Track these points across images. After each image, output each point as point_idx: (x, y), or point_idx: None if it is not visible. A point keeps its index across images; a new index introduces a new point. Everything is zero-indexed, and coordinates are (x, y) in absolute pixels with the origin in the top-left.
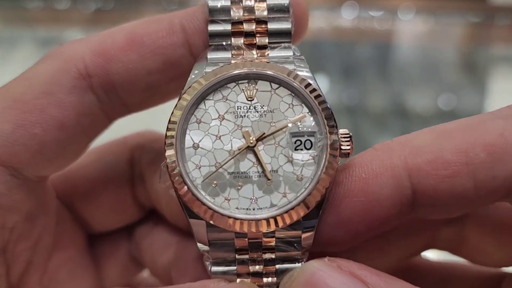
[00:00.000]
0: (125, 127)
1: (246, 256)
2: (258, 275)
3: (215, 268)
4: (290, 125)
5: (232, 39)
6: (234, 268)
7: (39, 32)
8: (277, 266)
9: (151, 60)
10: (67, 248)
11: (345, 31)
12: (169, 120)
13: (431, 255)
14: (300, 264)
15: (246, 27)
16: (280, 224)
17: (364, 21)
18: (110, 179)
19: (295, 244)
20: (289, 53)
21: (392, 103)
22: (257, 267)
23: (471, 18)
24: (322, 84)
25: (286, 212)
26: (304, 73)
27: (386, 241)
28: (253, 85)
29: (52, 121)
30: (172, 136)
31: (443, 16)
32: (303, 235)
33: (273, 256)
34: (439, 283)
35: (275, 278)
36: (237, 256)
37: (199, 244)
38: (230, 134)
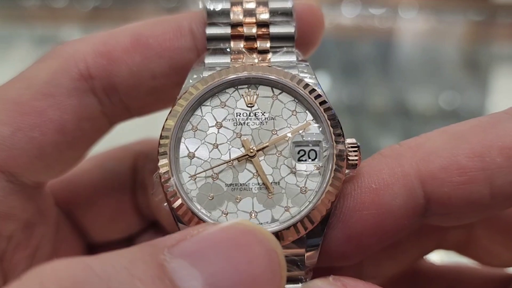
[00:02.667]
0: (124, 131)
1: None
2: None
3: None
4: (289, 134)
5: (232, 42)
6: None
7: (36, 30)
8: None
9: (157, 63)
10: (67, 257)
11: (346, 29)
12: (163, 127)
13: (436, 256)
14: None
15: (246, 30)
16: (282, 241)
17: (365, 19)
18: (111, 186)
19: (298, 263)
20: (292, 58)
21: (394, 102)
22: None
23: (473, 16)
24: (323, 82)
25: (289, 228)
26: (307, 79)
27: (394, 246)
28: (254, 90)
29: (52, 124)
30: (165, 145)
31: (444, 14)
32: (307, 254)
33: None
34: (447, 287)
35: None
36: None
37: None
38: (229, 142)
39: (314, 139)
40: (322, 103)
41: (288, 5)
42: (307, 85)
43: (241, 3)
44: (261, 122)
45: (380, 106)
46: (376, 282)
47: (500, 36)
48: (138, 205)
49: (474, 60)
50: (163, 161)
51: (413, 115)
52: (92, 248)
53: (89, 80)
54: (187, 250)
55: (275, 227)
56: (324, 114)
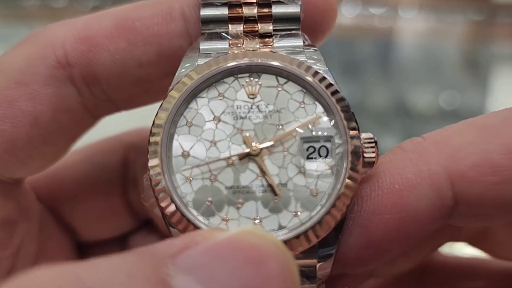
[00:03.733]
0: (116, 122)
1: None
2: None
3: None
4: (299, 129)
5: (230, 25)
6: None
7: (36, 30)
8: None
9: (143, 50)
10: (54, 257)
11: (346, 29)
12: (153, 123)
13: (446, 249)
14: None
15: (246, 11)
16: (291, 251)
17: (365, 19)
18: (100, 182)
19: (308, 276)
20: (298, 42)
21: (394, 101)
22: None
23: (473, 16)
24: None
25: (298, 236)
26: (316, 66)
27: None
28: (256, 80)
29: (24, 115)
30: (156, 143)
31: (445, 14)
32: (319, 265)
33: None
34: (459, 280)
35: None
36: None
37: None
38: (228, 139)
39: (325, 134)
40: (334, 93)
41: None
42: (316, 72)
43: None
44: (264, 116)
45: (380, 105)
46: (386, 279)
47: (500, 36)
48: (130, 203)
49: (474, 60)
50: (153, 162)
51: (413, 115)
52: (82, 247)
53: (67, 68)
54: (192, 263)
55: (283, 235)
56: (337, 105)
